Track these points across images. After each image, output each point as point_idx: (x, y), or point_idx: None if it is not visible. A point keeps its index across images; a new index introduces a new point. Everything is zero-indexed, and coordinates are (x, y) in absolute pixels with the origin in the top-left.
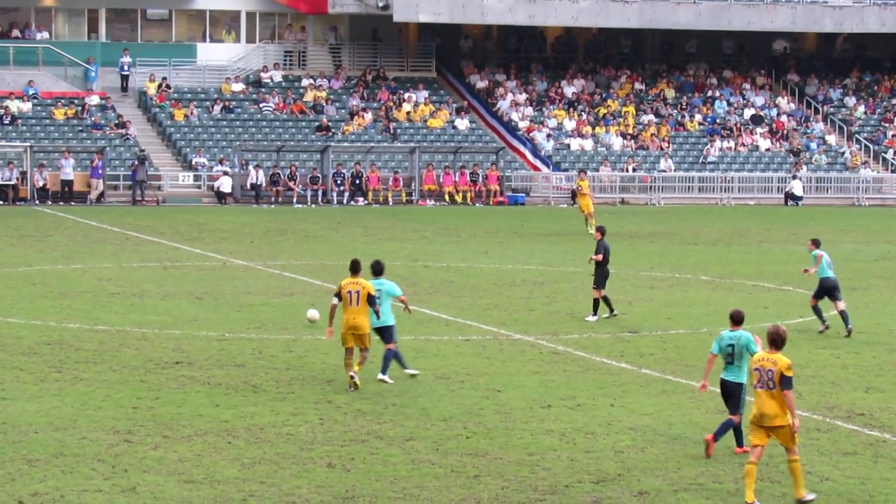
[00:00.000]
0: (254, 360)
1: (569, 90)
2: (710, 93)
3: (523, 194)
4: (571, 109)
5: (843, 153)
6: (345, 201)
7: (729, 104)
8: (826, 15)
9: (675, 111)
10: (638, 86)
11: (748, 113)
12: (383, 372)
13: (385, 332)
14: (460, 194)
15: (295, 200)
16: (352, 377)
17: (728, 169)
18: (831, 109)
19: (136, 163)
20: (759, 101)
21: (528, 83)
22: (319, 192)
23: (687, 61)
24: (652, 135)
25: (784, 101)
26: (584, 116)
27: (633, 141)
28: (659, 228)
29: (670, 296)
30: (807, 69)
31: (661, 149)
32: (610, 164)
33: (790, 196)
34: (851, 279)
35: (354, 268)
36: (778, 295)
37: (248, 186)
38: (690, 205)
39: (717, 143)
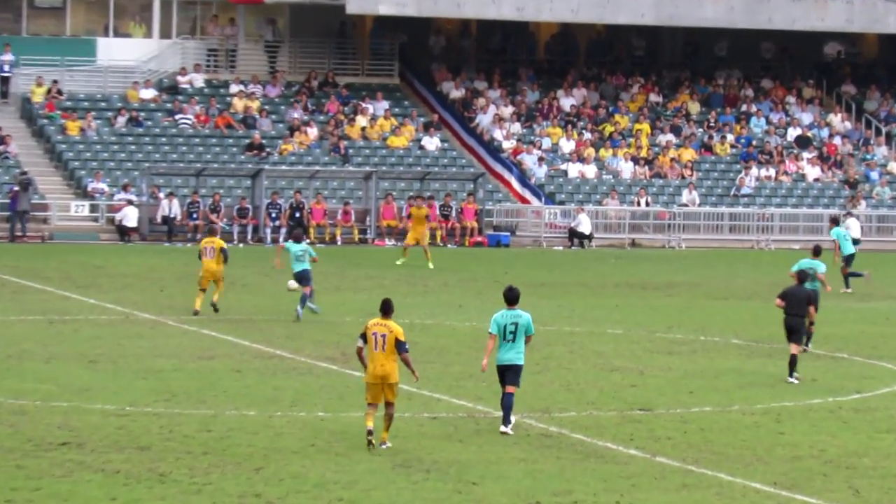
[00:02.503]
0: (161, 442)
1: (566, 102)
2: (744, 107)
3: (508, 233)
4: (570, 126)
5: None
6: (281, 240)
7: (768, 122)
8: (890, 12)
9: (701, 130)
10: (654, 98)
11: (792, 133)
12: (506, 424)
13: (512, 372)
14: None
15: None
16: (369, 439)
17: (767, 203)
18: None
19: (17, 189)
20: (807, 118)
21: (515, 93)
22: (249, 229)
23: (716, 68)
24: (671, 160)
25: (837, 119)
26: (586, 136)
27: (647, 167)
28: (679, 278)
29: (693, 364)
30: (866, 79)
31: (683, 177)
32: (618, 195)
33: None
34: None
35: (385, 308)
36: (829, 364)
37: (160, 220)
38: (719, 248)
39: (754, 172)
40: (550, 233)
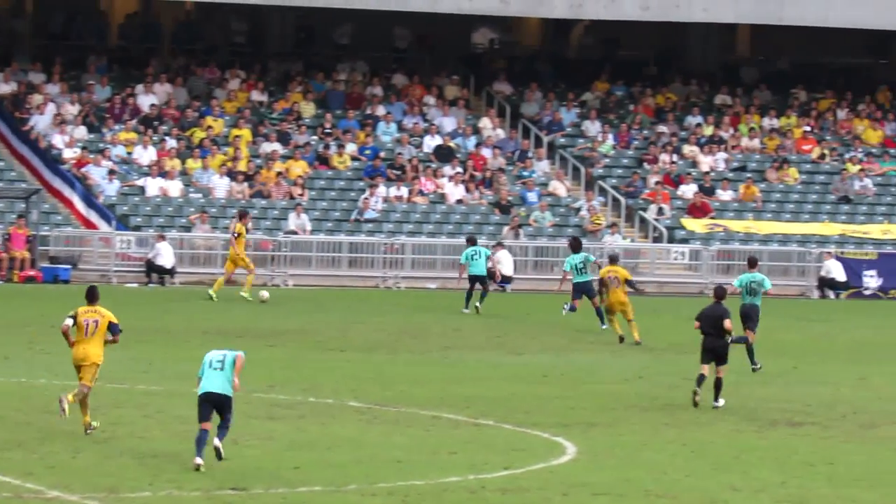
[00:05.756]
0: None
1: (145, 101)
2: (370, 110)
3: (68, 266)
4: (149, 131)
5: (580, 209)
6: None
7: (401, 129)
8: None
9: (316, 138)
10: (257, 96)
11: (430, 143)
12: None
13: (225, 405)
14: None
15: None
16: (62, 402)
17: (397, 231)
18: (562, 140)
19: None
20: (449, 124)
21: (80, 89)
22: None
23: (337, 59)
24: (277, 175)
25: (488, 126)
26: (170, 143)
27: (246, 184)
28: (284, 324)
29: (300, 432)
30: (525, 76)
31: (292, 197)
32: (209, 219)
33: (495, 276)
34: (596, 412)
35: (91, 295)
36: (471, 433)
37: None
38: (335, 287)
39: (381, 191)
40: (123, 265)
